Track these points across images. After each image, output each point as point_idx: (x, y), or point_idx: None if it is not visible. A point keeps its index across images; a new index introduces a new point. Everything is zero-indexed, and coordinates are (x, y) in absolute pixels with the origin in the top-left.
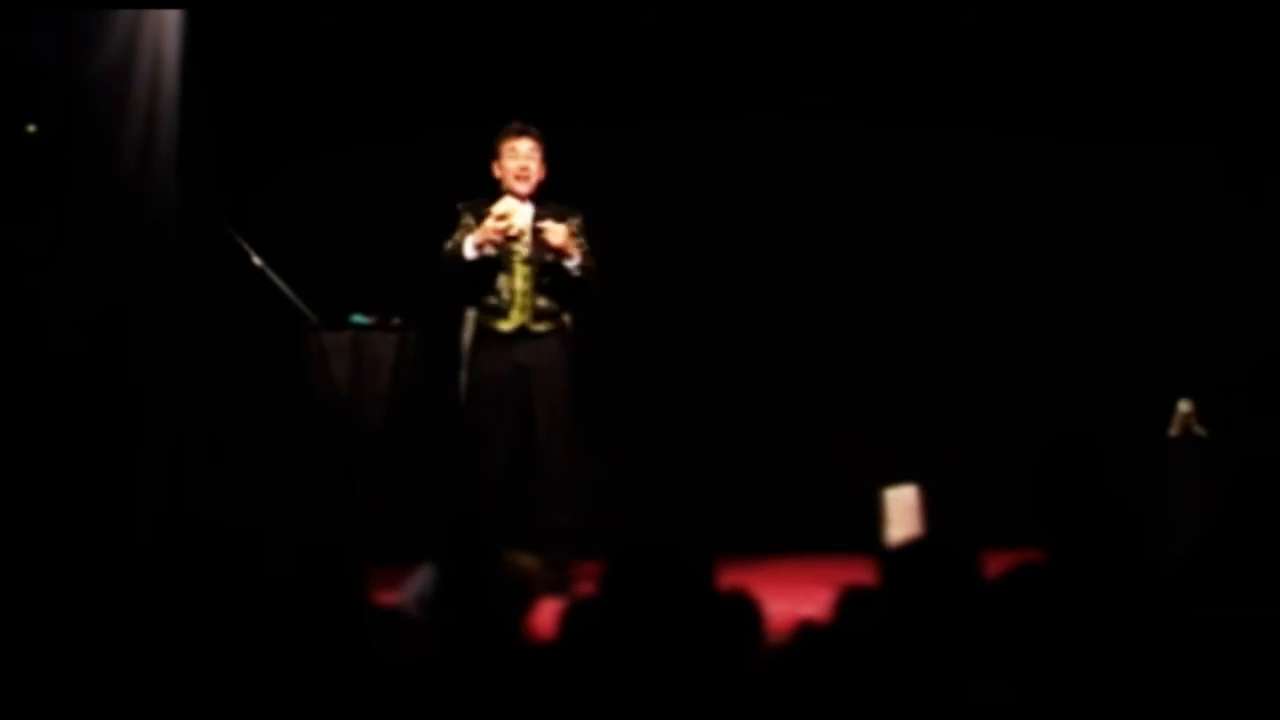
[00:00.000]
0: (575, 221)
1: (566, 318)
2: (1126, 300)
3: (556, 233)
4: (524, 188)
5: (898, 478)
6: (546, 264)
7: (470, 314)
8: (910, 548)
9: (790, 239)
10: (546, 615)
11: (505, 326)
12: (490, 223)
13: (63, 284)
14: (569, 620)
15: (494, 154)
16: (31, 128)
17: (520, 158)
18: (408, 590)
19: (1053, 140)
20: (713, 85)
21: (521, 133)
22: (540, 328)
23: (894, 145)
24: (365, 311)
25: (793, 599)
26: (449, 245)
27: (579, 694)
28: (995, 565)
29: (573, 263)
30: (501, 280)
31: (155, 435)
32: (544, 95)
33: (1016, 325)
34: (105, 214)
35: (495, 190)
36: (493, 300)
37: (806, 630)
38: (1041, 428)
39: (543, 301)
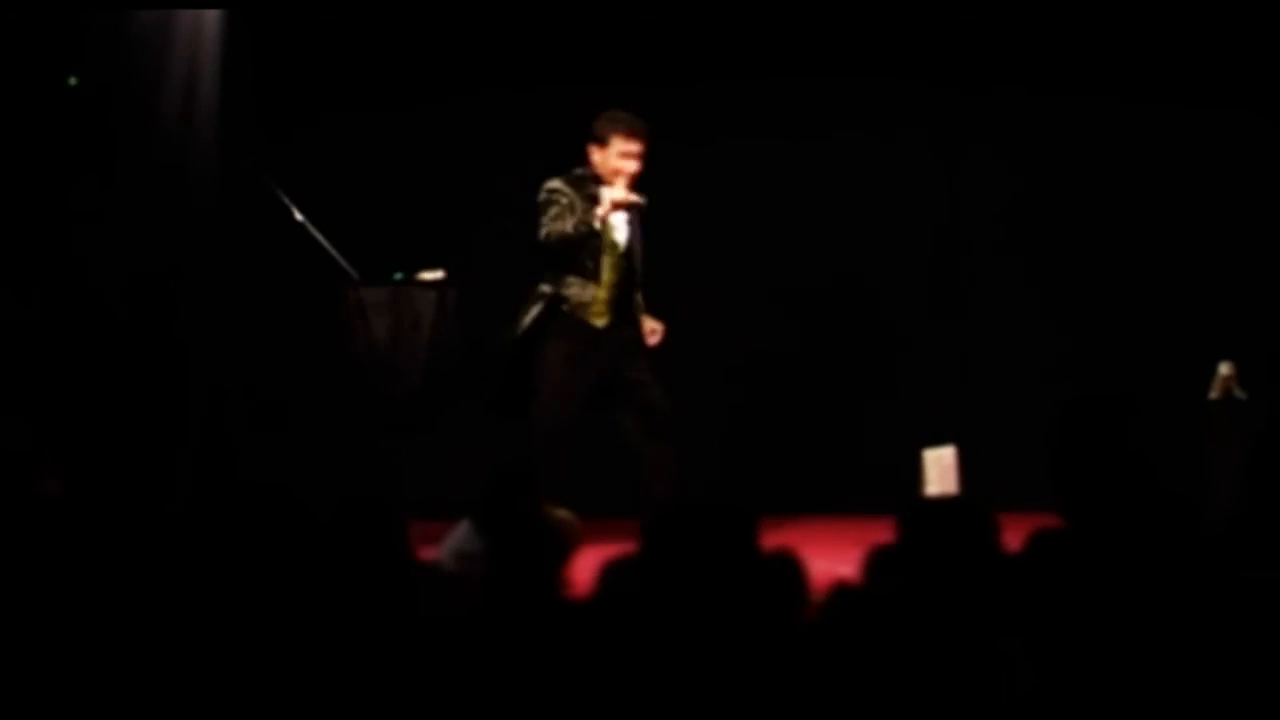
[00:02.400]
0: (644, 204)
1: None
2: (1169, 262)
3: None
4: (627, 185)
5: (939, 438)
6: (632, 253)
7: (544, 289)
8: (927, 508)
9: (834, 200)
10: (585, 571)
11: (599, 323)
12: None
13: (108, 240)
14: (607, 577)
15: (598, 139)
16: (73, 80)
17: (632, 159)
18: (446, 546)
19: (1098, 101)
20: (759, 46)
21: (634, 134)
22: (627, 331)
23: (944, 106)
24: (406, 268)
25: (831, 558)
26: (550, 230)
27: (615, 650)
28: (1029, 527)
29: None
30: (587, 270)
31: (198, 390)
32: (587, 56)
33: (1060, 287)
34: (148, 169)
35: (583, 166)
36: (577, 293)
37: (840, 591)
38: (1083, 388)
39: (629, 296)
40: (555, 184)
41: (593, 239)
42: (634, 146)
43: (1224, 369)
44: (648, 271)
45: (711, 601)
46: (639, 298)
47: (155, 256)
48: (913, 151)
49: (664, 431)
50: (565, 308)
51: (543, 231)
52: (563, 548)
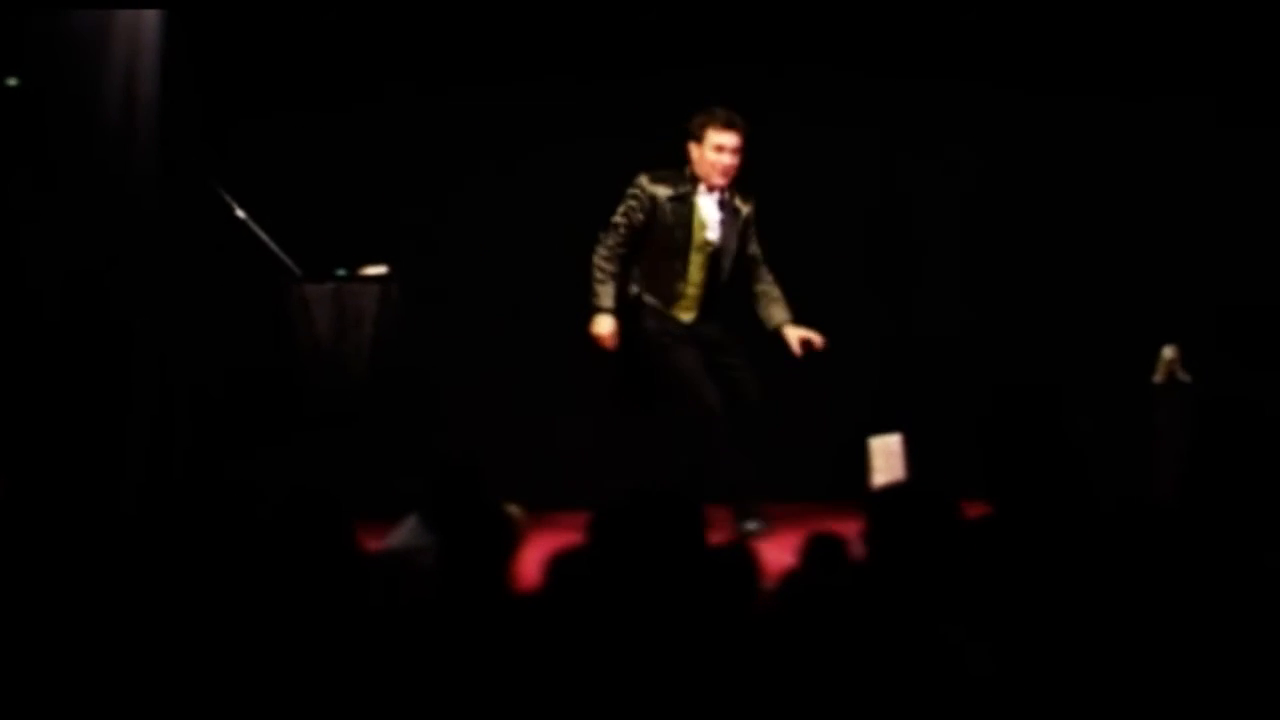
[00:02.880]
0: (753, 206)
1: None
2: (1113, 247)
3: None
4: (723, 181)
5: (885, 426)
6: (724, 252)
7: (633, 289)
8: (895, 493)
9: (780, 188)
10: (532, 564)
11: (685, 319)
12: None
13: (46, 239)
14: (556, 568)
15: (694, 135)
16: (12, 81)
17: (726, 153)
18: (393, 540)
19: (1041, 89)
20: (708, 32)
21: (729, 125)
22: (711, 327)
23: (887, 95)
24: (349, 264)
25: (780, 547)
26: (606, 247)
27: (564, 641)
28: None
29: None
30: (675, 268)
31: (141, 388)
32: (531, 50)
33: (1005, 272)
34: (88, 168)
35: (683, 164)
36: (663, 289)
37: (792, 579)
38: (1028, 375)
39: (715, 295)
40: (640, 181)
41: (679, 236)
42: (729, 139)
43: (1168, 352)
44: (737, 271)
45: (659, 591)
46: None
47: (95, 255)
48: (858, 140)
49: (747, 418)
50: (651, 303)
51: (596, 254)
52: (512, 540)
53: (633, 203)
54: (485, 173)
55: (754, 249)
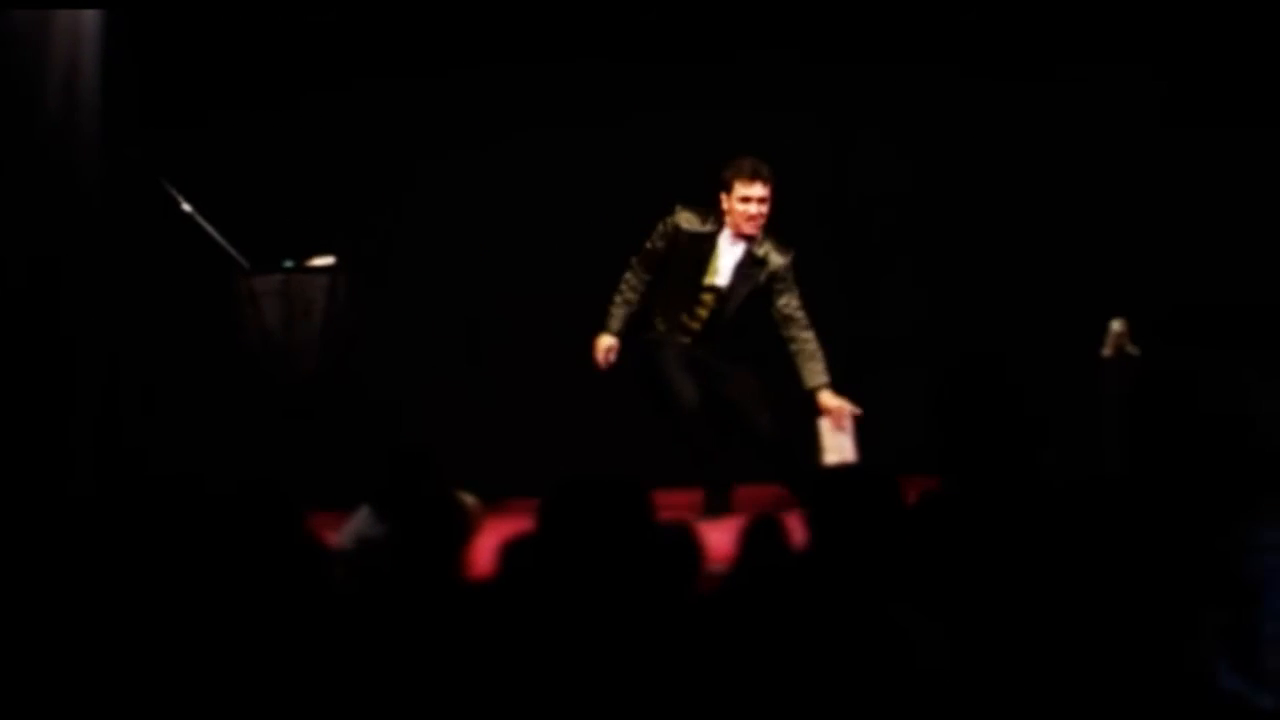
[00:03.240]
0: (787, 261)
1: None
2: (1061, 221)
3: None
4: (752, 230)
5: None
6: (731, 297)
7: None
8: (835, 474)
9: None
10: (486, 552)
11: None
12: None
13: None
14: (507, 556)
15: (724, 186)
16: None
17: (753, 204)
18: (346, 531)
19: (985, 62)
20: (654, 24)
21: (754, 176)
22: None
23: (832, 79)
24: (296, 255)
25: (728, 529)
26: (629, 277)
27: (517, 630)
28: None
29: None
30: (683, 301)
31: (88, 383)
32: (480, 39)
33: (954, 248)
34: (30, 164)
35: (715, 206)
36: (670, 316)
37: (744, 560)
38: (977, 348)
39: (715, 333)
40: (672, 218)
41: (690, 273)
42: (754, 190)
43: (1116, 326)
44: (739, 316)
45: (607, 575)
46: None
47: (39, 251)
48: (800, 125)
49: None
50: (658, 324)
51: (622, 285)
52: (465, 528)
53: (659, 228)
54: (434, 162)
55: (785, 302)
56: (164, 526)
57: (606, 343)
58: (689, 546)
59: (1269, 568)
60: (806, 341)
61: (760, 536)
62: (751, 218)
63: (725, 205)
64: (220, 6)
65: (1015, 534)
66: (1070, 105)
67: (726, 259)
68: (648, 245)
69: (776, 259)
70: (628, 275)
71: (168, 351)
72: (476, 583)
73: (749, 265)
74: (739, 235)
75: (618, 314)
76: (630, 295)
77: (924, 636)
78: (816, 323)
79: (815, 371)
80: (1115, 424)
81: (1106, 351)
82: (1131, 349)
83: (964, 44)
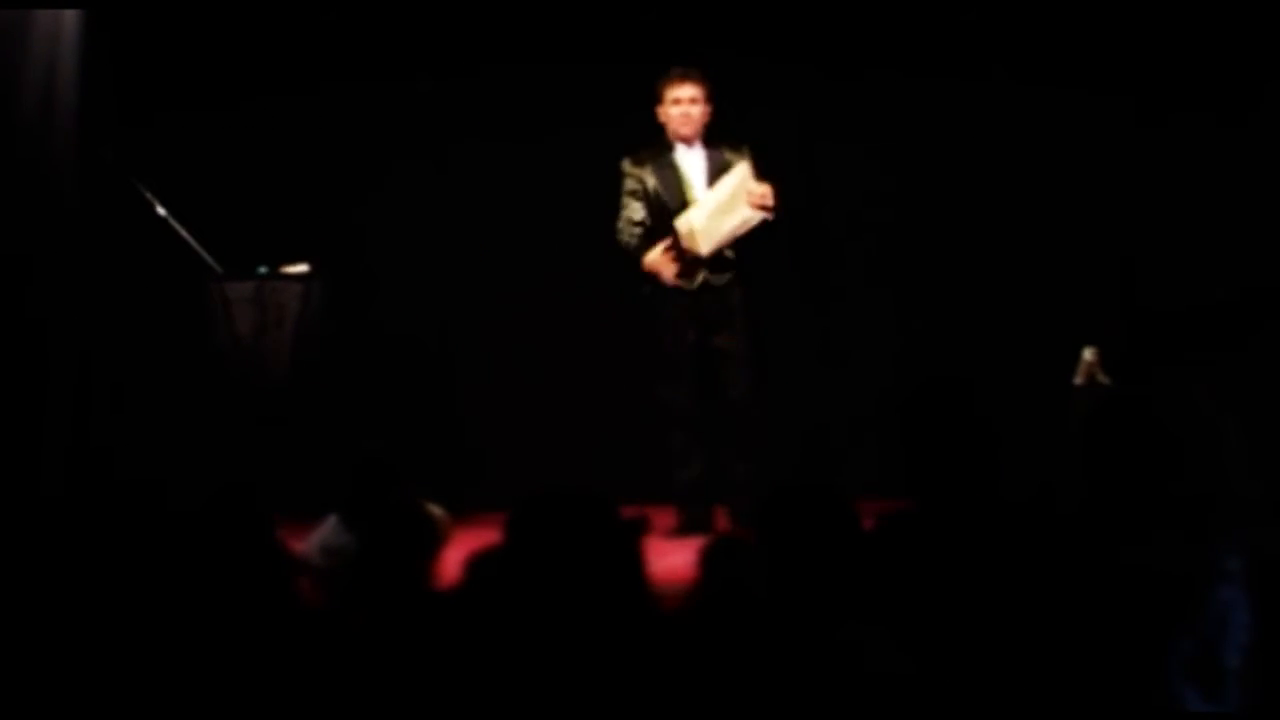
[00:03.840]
0: (747, 161)
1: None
2: (1034, 247)
3: (766, 196)
4: (688, 131)
5: (804, 423)
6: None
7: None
8: (786, 494)
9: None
10: (452, 564)
11: (689, 285)
12: (663, 266)
13: None
14: (473, 568)
15: (657, 99)
16: None
17: (683, 105)
18: (313, 541)
19: (959, 84)
20: (625, 28)
21: (683, 78)
22: (722, 280)
23: (803, 88)
24: (270, 262)
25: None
26: (620, 225)
27: (481, 642)
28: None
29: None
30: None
31: (60, 386)
32: (456, 43)
33: (925, 273)
34: (6, 165)
35: (660, 135)
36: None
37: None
38: (945, 373)
39: (726, 252)
40: (624, 165)
41: (670, 201)
42: (684, 91)
43: (1088, 354)
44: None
45: (571, 590)
46: (728, 253)
47: (12, 253)
48: (773, 134)
49: (729, 414)
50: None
51: (619, 236)
52: (433, 539)
53: (627, 182)
54: (410, 168)
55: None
56: (131, 533)
57: (654, 252)
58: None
59: (1230, 599)
60: None
61: (720, 558)
62: (686, 118)
63: (661, 118)
64: (194, 10)
65: (979, 557)
66: (1052, 128)
67: (694, 169)
68: (626, 196)
69: (738, 158)
70: (619, 225)
71: (140, 356)
72: (443, 593)
73: (718, 168)
74: (683, 140)
75: (639, 246)
76: (636, 233)
77: (880, 655)
78: (782, 339)
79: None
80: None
81: (1078, 380)
82: (1103, 378)
83: (940, 60)
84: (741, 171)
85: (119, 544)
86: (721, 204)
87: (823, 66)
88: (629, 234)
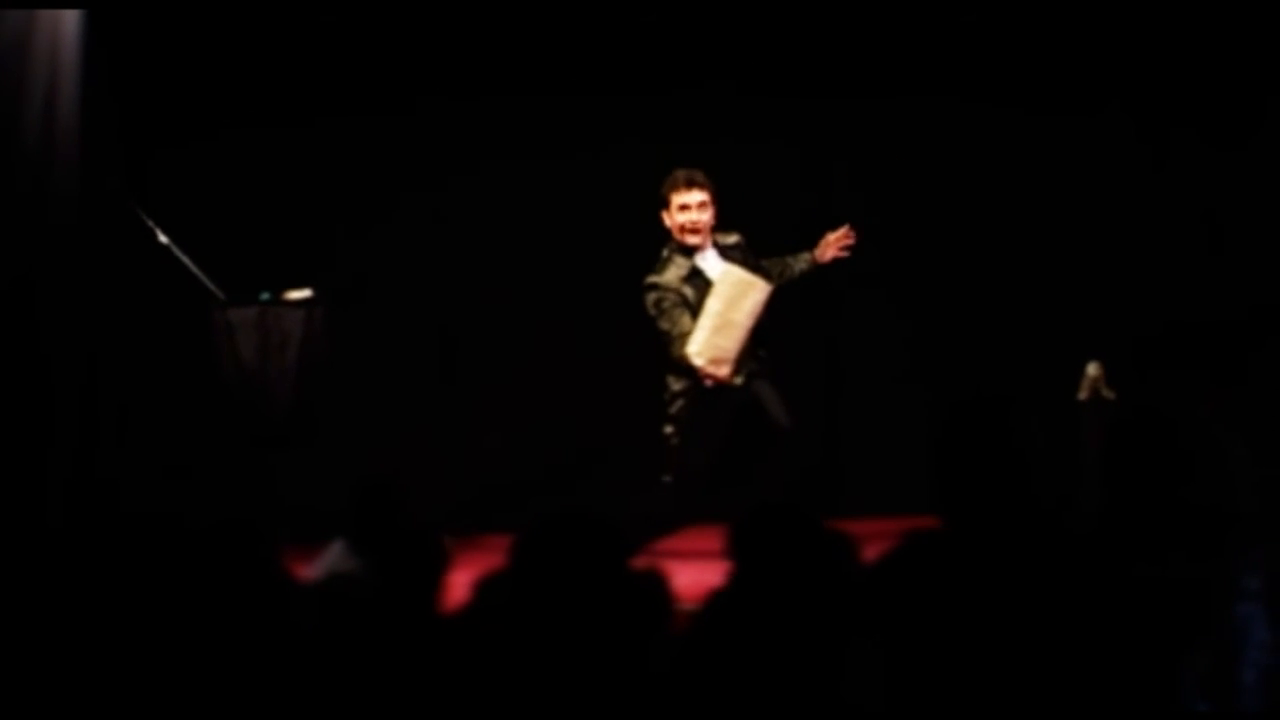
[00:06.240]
0: (740, 240)
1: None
2: (1039, 263)
3: (843, 238)
4: (697, 240)
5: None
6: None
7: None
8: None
9: None
10: (459, 588)
11: (732, 381)
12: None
13: None
14: (481, 592)
15: (663, 203)
16: None
17: (691, 212)
18: (319, 565)
19: (965, 103)
20: (629, 59)
21: (690, 184)
22: (753, 367)
23: (807, 114)
24: (272, 288)
25: (702, 566)
26: (678, 341)
27: (488, 665)
28: (899, 529)
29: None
30: None
31: (65, 414)
32: (458, 73)
33: (930, 289)
34: (8, 194)
35: (665, 237)
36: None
37: (713, 601)
38: (955, 392)
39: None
40: (654, 281)
41: (700, 304)
42: (691, 197)
43: (1092, 370)
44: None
45: (579, 616)
46: (762, 352)
47: (15, 280)
48: (778, 156)
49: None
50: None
51: (675, 352)
52: (441, 562)
53: (666, 299)
54: (411, 194)
55: (764, 264)
56: (136, 561)
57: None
58: (659, 591)
59: (1248, 615)
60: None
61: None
62: (694, 225)
63: (668, 223)
64: (195, 38)
65: (1009, 575)
66: (1056, 146)
67: (716, 270)
68: (669, 307)
69: (730, 240)
70: (676, 332)
71: (143, 383)
72: (450, 617)
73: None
74: (693, 247)
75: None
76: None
77: (861, 674)
78: (787, 360)
79: (797, 259)
80: (1092, 468)
81: (1082, 395)
82: (1107, 392)
83: (945, 80)
84: (726, 277)
85: (123, 572)
86: (720, 318)
87: (824, 90)
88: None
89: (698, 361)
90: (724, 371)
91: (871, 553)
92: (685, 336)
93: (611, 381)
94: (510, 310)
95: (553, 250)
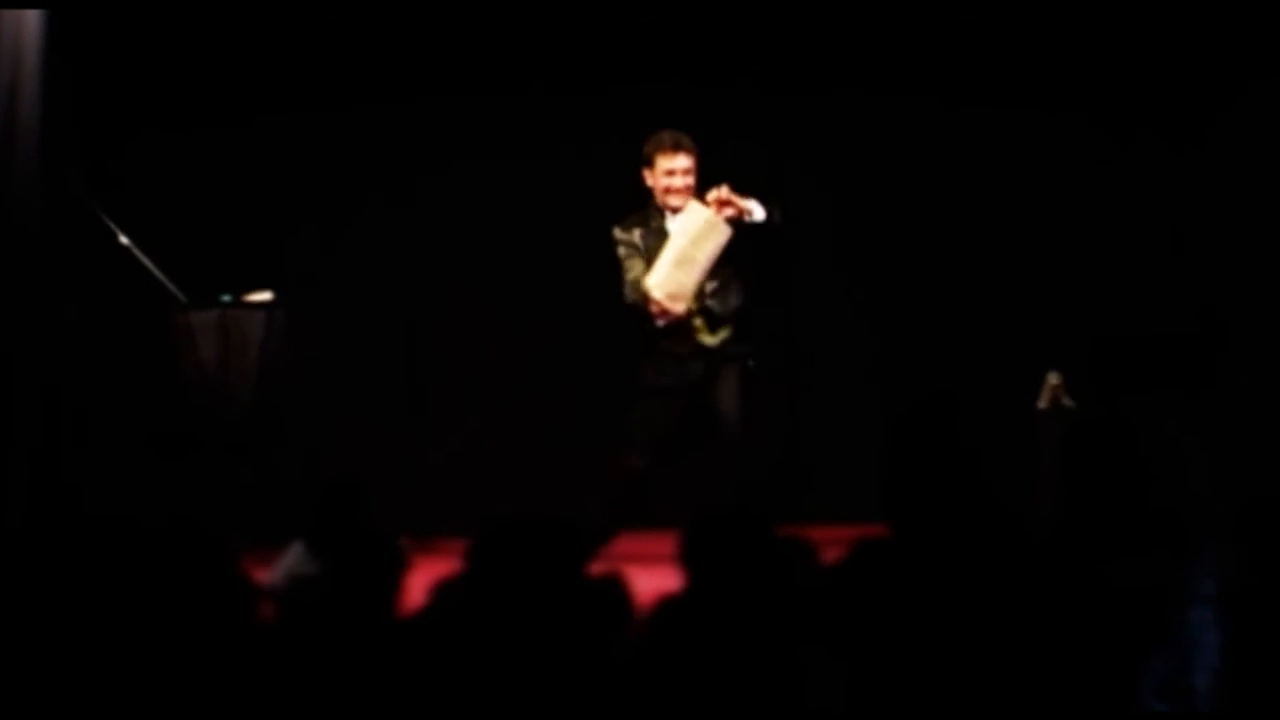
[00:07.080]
0: (693, 200)
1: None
2: (999, 270)
3: (722, 192)
4: (678, 203)
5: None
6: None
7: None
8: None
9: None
10: (414, 590)
11: (682, 350)
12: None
13: None
14: (438, 596)
15: (646, 162)
16: None
17: (677, 176)
18: (278, 567)
19: (925, 104)
20: (598, 56)
21: (677, 148)
22: (718, 339)
23: (767, 112)
24: (233, 290)
25: (661, 572)
26: (628, 287)
27: (444, 669)
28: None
29: (758, 214)
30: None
31: (25, 416)
32: (421, 70)
33: (889, 295)
34: None
35: (646, 199)
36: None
37: (664, 606)
38: (913, 395)
39: (717, 306)
40: (615, 233)
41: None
42: (678, 163)
43: (1052, 378)
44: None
45: (535, 619)
46: (722, 305)
47: None
48: (742, 154)
49: (727, 453)
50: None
51: (627, 296)
52: (399, 565)
53: (621, 248)
54: (373, 196)
55: (757, 213)
56: (93, 562)
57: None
58: (618, 596)
59: (1202, 619)
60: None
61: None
62: (678, 190)
63: (650, 181)
64: (157, 36)
65: (959, 582)
66: (1018, 149)
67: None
68: (627, 257)
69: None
70: (629, 277)
71: (104, 386)
72: (407, 620)
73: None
74: (670, 209)
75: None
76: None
77: (821, 679)
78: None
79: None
80: (1050, 475)
81: (1042, 404)
82: (1067, 401)
83: (906, 81)
84: (692, 211)
85: (82, 574)
86: (682, 252)
87: (790, 89)
88: (638, 291)
89: (656, 294)
90: (679, 308)
91: (830, 558)
92: (638, 281)
93: (574, 385)
94: (472, 313)
95: (517, 252)
